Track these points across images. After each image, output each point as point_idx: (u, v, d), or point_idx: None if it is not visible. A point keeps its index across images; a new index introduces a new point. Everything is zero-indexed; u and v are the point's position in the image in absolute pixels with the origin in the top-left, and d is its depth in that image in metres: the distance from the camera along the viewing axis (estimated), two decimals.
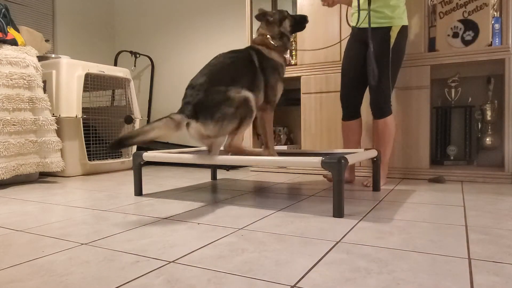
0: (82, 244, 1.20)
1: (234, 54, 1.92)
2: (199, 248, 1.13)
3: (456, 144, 2.80)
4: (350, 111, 2.39)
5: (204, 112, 1.69)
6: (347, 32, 2.77)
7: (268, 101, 1.94)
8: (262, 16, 2.00)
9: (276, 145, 3.24)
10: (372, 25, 2.14)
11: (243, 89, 1.78)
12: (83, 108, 3.00)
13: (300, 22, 2.11)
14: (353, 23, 2.29)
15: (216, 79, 1.78)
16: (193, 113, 1.69)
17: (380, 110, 2.22)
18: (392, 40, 2.15)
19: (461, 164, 2.75)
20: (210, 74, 1.79)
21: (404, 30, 2.18)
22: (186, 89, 1.80)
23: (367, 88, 2.33)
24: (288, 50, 2.17)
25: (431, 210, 1.62)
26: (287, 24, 2.04)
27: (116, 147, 1.63)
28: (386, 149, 2.25)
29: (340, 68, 2.88)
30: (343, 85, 2.38)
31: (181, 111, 1.71)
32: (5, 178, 2.38)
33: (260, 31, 2.03)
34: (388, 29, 2.15)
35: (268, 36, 1.97)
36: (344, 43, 2.84)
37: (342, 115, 2.43)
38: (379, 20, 2.15)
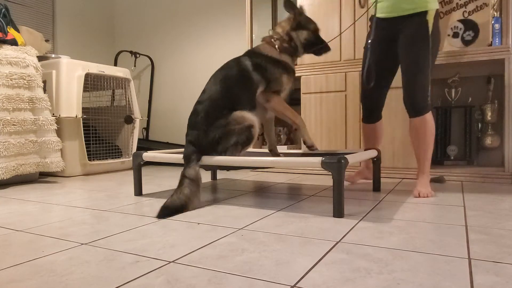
0: (82, 244, 1.20)
1: (225, 71, 1.89)
2: (199, 248, 1.13)
3: (456, 144, 2.80)
4: (374, 114, 2.22)
5: (209, 150, 1.79)
6: (347, 31, 2.77)
7: (270, 90, 1.88)
8: (288, 7, 1.93)
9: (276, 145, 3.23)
10: (406, 13, 1.93)
11: (245, 112, 1.81)
12: (83, 108, 3.00)
13: (318, 49, 1.99)
14: (377, 13, 2.03)
15: (214, 111, 1.81)
16: (199, 151, 1.79)
17: (418, 106, 1.94)
18: (430, 26, 1.89)
19: (461, 164, 2.75)
20: (207, 109, 1.82)
21: (437, 13, 1.95)
22: (188, 126, 1.87)
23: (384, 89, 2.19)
24: (296, 57, 2.03)
25: (431, 210, 1.62)
26: (303, 35, 1.95)
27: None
28: (427, 150, 1.98)
29: (341, 67, 2.89)
30: (364, 87, 2.15)
31: (188, 159, 1.76)
32: (5, 178, 2.37)
33: (276, 27, 1.97)
34: (425, 13, 1.89)
35: (274, 38, 1.93)
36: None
37: (363, 117, 2.25)
38: (411, 5, 1.91)
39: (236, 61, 1.91)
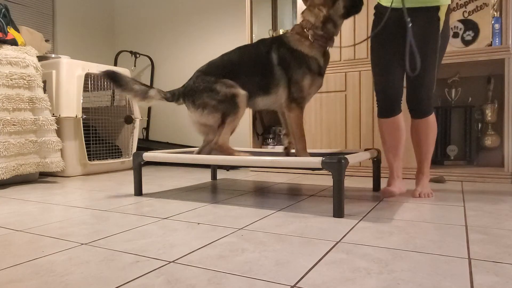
0: (82, 244, 1.20)
1: (252, 49, 1.91)
2: (199, 248, 1.13)
3: (456, 144, 2.80)
4: (393, 105, 1.92)
5: (188, 96, 1.90)
6: (347, 31, 2.77)
7: (292, 98, 1.79)
8: None
9: (276, 145, 3.24)
10: (417, 5, 1.77)
11: (237, 86, 1.83)
12: (83, 108, 3.00)
13: (356, 4, 1.82)
14: (387, 3, 1.86)
15: (214, 69, 1.89)
16: (180, 95, 1.94)
17: (423, 107, 1.85)
18: (441, 23, 1.77)
19: (461, 164, 2.75)
20: (211, 64, 1.93)
21: (449, 9, 1.82)
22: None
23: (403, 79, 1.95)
24: (333, 38, 1.85)
25: (431, 210, 1.62)
26: (341, 5, 1.79)
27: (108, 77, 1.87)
28: (428, 151, 1.92)
29: (341, 67, 2.89)
30: (381, 78, 1.92)
31: (167, 91, 1.96)
32: (5, 178, 2.37)
33: (304, 15, 1.83)
34: (436, 9, 1.75)
35: (306, 28, 1.79)
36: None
37: (383, 112, 1.95)
38: None
39: (267, 48, 1.84)
